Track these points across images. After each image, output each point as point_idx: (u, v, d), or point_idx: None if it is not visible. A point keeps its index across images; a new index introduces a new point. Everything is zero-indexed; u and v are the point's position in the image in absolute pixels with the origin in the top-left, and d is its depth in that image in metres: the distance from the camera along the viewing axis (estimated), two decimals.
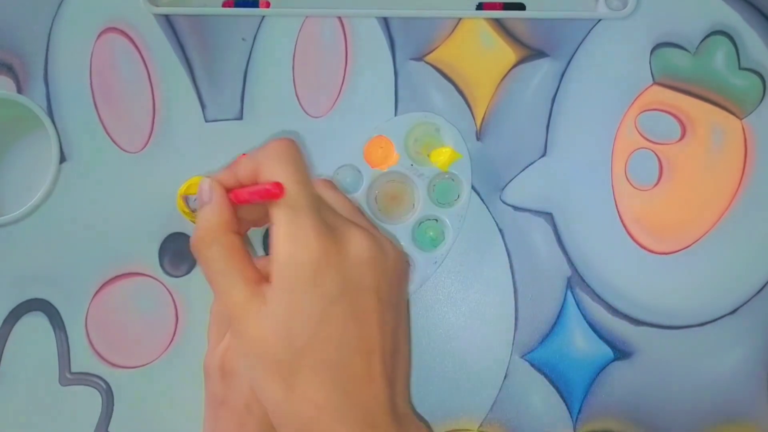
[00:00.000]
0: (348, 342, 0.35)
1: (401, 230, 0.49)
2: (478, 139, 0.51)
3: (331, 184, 0.42)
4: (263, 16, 0.52)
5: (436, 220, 0.50)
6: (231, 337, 0.38)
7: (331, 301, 0.34)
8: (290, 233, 0.34)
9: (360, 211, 0.40)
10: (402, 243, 0.49)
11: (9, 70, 0.52)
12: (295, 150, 0.37)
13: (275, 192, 0.34)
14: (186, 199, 0.44)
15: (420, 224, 0.50)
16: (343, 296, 0.34)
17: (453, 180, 0.50)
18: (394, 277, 0.38)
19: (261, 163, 0.36)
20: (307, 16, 0.52)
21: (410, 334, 0.38)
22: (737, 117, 0.51)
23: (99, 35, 0.52)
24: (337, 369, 0.34)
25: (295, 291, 0.34)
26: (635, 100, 0.51)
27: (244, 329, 0.35)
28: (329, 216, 0.37)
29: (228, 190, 0.38)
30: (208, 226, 0.37)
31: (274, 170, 0.35)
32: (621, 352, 0.50)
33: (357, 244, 0.36)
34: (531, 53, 0.51)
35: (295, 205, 0.35)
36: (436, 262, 0.50)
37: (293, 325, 0.34)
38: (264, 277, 0.36)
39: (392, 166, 0.50)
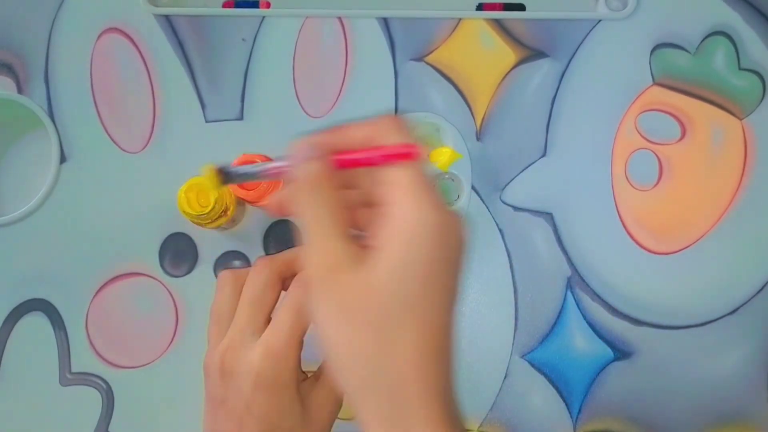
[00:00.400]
0: (443, 309, 0.35)
1: None
2: (478, 139, 0.51)
3: None
4: (263, 17, 0.52)
5: None
6: (315, 298, 0.36)
7: (438, 265, 0.34)
8: (417, 193, 0.34)
9: None
10: None
11: (9, 70, 0.52)
12: (407, 124, 0.37)
13: (411, 153, 0.34)
14: (222, 170, 0.42)
15: None
16: (446, 263, 0.35)
17: (453, 180, 0.50)
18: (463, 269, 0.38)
19: (377, 132, 0.36)
20: (307, 17, 0.52)
21: None
22: (737, 117, 0.51)
23: (99, 35, 0.52)
24: (434, 333, 0.34)
25: (415, 248, 0.34)
26: (635, 100, 0.51)
27: (340, 281, 0.34)
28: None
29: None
30: (314, 177, 0.36)
31: (398, 139, 0.35)
32: (621, 352, 0.50)
33: (460, 223, 0.36)
34: (531, 54, 0.51)
35: (420, 169, 0.35)
36: None
37: (406, 279, 0.33)
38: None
39: None
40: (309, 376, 0.46)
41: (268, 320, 0.43)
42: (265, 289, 0.43)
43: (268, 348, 0.41)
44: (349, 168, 0.37)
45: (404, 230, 0.34)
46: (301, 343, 0.42)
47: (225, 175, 0.39)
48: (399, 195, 0.35)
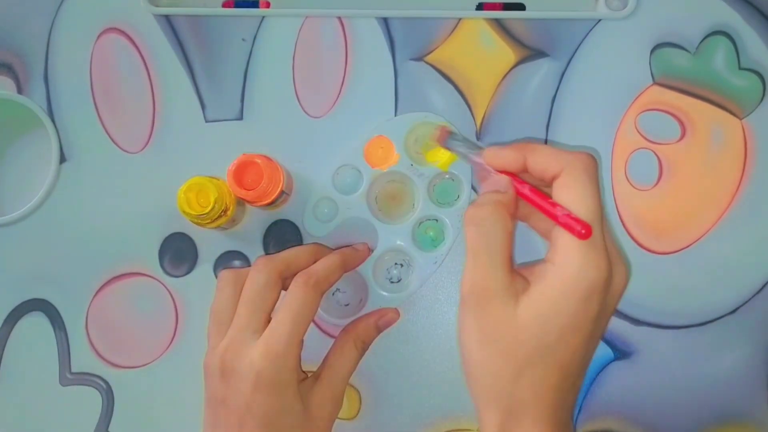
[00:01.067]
0: (583, 357, 0.37)
1: (401, 230, 0.49)
2: (478, 138, 0.51)
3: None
4: (263, 17, 0.52)
5: (436, 220, 0.50)
6: (463, 314, 0.39)
7: (588, 320, 0.36)
8: (585, 246, 0.36)
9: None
10: (402, 243, 0.49)
11: (9, 70, 0.52)
12: (597, 170, 0.38)
13: (582, 233, 0.35)
14: (443, 136, 0.45)
15: (420, 224, 0.50)
16: (598, 320, 0.37)
17: (453, 180, 0.50)
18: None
19: (565, 176, 0.37)
20: (307, 17, 0.52)
21: None
22: (737, 117, 0.51)
23: (99, 35, 0.52)
24: (566, 373, 0.37)
25: (569, 299, 0.36)
26: (635, 100, 0.51)
27: (493, 310, 0.37)
28: (606, 238, 0.38)
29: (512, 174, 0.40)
30: (500, 203, 0.38)
31: (578, 192, 0.37)
32: (621, 352, 0.50)
33: (621, 277, 0.38)
34: (531, 53, 0.51)
35: (597, 222, 0.36)
36: (436, 262, 0.50)
37: (553, 326, 0.36)
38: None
39: (392, 166, 0.50)
40: (309, 375, 0.46)
41: (269, 320, 0.43)
42: (265, 288, 0.44)
43: (268, 348, 0.42)
44: (524, 199, 0.39)
45: (563, 280, 0.36)
46: (301, 343, 0.43)
47: (449, 140, 0.44)
48: (567, 241, 0.36)
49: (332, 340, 0.49)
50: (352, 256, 0.48)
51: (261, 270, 0.44)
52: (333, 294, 0.50)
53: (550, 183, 0.38)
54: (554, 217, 0.37)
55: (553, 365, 0.37)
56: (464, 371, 0.39)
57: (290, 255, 0.46)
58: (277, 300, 0.44)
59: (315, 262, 0.46)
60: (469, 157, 0.42)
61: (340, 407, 0.46)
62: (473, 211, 0.39)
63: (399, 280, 0.50)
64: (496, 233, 0.38)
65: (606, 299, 0.37)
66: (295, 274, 0.45)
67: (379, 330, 0.49)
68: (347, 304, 0.50)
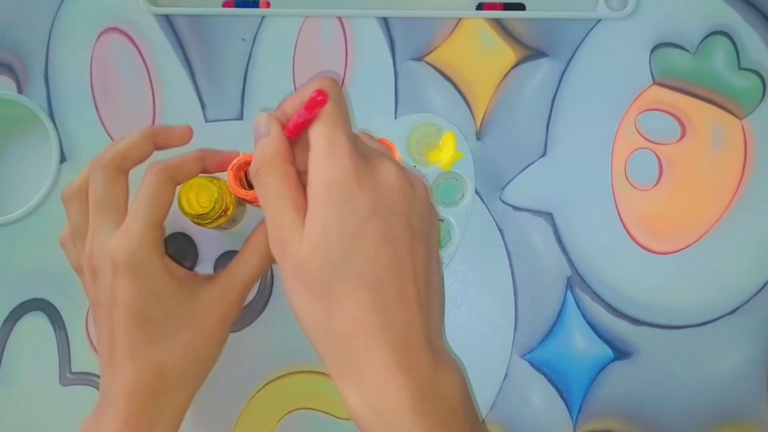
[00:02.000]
0: (381, 261, 0.35)
1: None
2: (478, 139, 0.51)
3: (367, 134, 0.42)
4: (263, 16, 0.52)
5: (442, 220, 0.50)
6: (280, 268, 0.38)
7: (363, 219, 0.35)
8: (326, 155, 0.36)
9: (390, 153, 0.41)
10: None
11: (9, 70, 0.52)
12: (337, 84, 0.38)
13: (319, 99, 0.35)
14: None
15: None
16: (375, 216, 0.35)
17: (456, 179, 0.50)
18: (424, 208, 0.38)
19: (306, 93, 0.37)
20: (307, 17, 0.52)
21: (443, 277, 0.38)
22: (737, 117, 0.51)
23: (99, 35, 0.52)
24: (372, 287, 0.35)
25: (329, 209, 0.35)
26: (635, 100, 0.51)
27: (287, 251, 0.36)
28: (362, 146, 0.38)
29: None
30: (268, 154, 0.38)
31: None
32: (621, 352, 0.50)
33: (387, 170, 0.37)
34: (531, 53, 0.51)
35: (333, 127, 0.36)
36: (443, 263, 0.49)
37: (328, 241, 0.35)
38: None
39: None
40: (203, 275, 0.45)
41: (125, 213, 0.42)
42: (107, 185, 0.42)
43: (121, 232, 0.41)
44: (295, 136, 0.38)
45: (318, 194, 0.35)
46: (158, 228, 0.42)
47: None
48: (313, 158, 0.36)
49: None
50: (205, 153, 0.45)
51: (97, 170, 0.42)
52: None
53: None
54: (299, 122, 0.37)
55: (354, 282, 0.34)
56: (305, 335, 0.37)
57: (123, 146, 0.43)
58: (127, 195, 0.43)
59: (152, 146, 0.44)
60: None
61: (236, 312, 0.44)
62: (251, 171, 0.39)
63: None
64: (273, 179, 0.37)
65: (374, 196, 0.35)
66: (135, 165, 0.43)
67: None
68: None
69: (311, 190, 0.36)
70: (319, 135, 0.36)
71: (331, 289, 0.35)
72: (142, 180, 0.42)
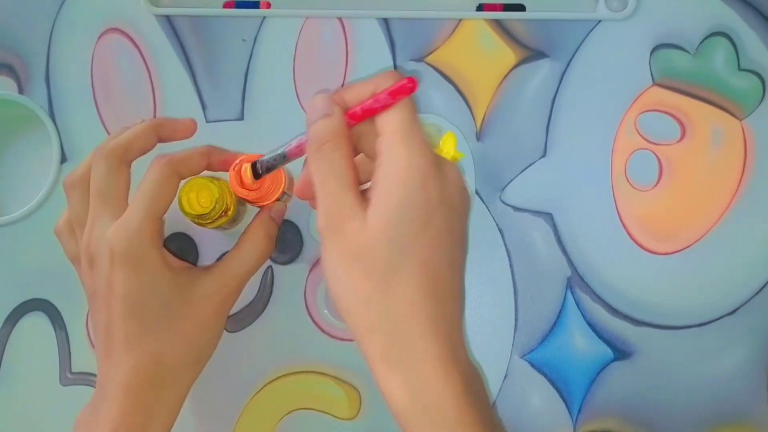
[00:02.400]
0: (442, 251, 0.36)
1: None
2: (478, 139, 0.51)
3: None
4: (264, 17, 0.52)
5: None
6: (324, 249, 0.37)
7: (433, 207, 0.35)
8: (408, 139, 0.36)
9: None
10: None
11: (10, 70, 0.52)
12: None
13: (409, 86, 0.36)
14: (254, 165, 0.44)
15: None
16: (442, 207, 0.36)
17: None
18: (469, 212, 0.39)
19: (379, 82, 0.37)
20: (307, 17, 0.52)
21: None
22: (737, 118, 0.51)
23: (100, 36, 0.52)
24: (432, 275, 0.35)
25: (407, 190, 0.35)
26: (635, 100, 0.51)
27: (345, 229, 0.36)
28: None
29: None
30: (333, 131, 0.37)
31: (396, 80, 0.37)
32: (621, 352, 0.50)
33: (451, 168, 0.37)
34: (531, 54, 0.51)
35: (413, 115, 0.36)
36: None
37: (400, 221, 0.35)
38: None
39: None
40: (200, 267, 0.45)
41: (125, 206, 0.42)
42: (108, 175, 0.42)
43: (121, 223, 0.40)
44: (359, 121, 0.38)
45: (396, 175, 0.35)
46: (158, 220, 0.42)
47: (257, 169, 0.42)
48: (389, 142, 0.36)
49: (336, 342, 0.49)
50: (186, 125, 0.46)
51: (100, 159, 0.42)
52: None
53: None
54: (382, 101, 0.37)
55: (417, 267, 0.35)
56: (338, 309, 0.36)
57: (127, 136, 0.43)
58: (128, 185, 0.43)
59: (155, 137, 0.44)
60: (284, 153, 0.41)
61: (232, 304, 0.45)
62: (311, 145, 0.38)
63: None
64: (337, 156, 0.37)
65: (443, 188, 0.36)
66: (139, 156, 0.43)
67: (275, 222, 0.47)
68: None
69: (386, 170, 0.36)
70: (398, 120, 0.36)
71: (392, 270, 0.35)
72: (146, 171, 0.42)
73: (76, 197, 0.43)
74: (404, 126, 0.36)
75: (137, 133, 0.43)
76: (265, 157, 0.42)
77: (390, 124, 0.36)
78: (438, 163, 0.36)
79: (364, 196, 0.37)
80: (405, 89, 0.36)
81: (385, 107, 0.37)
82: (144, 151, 0.44)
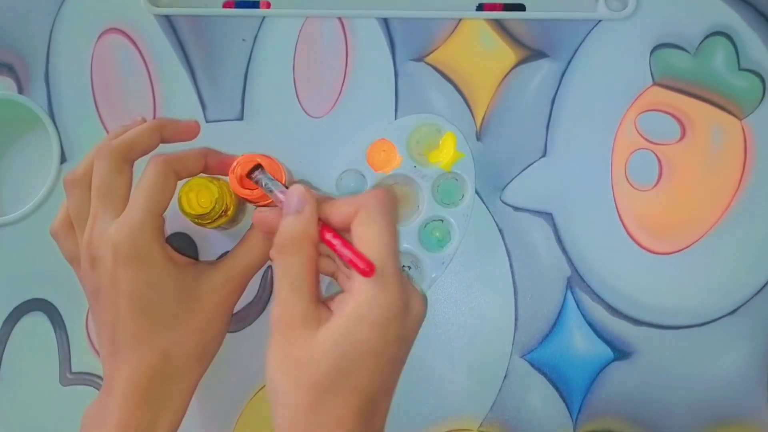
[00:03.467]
0: (382, 379, 0.38)
1: (407, 232, 0.49)
2: (478, 139, 0.51)
3: (386, 208, 0.41)
4: (264, 17, 0.52)
5: (442, 221, 0.50)
6: (270, 344, 0.39)
7: (387, 344, 0.37)
8: (377, 278, 0.37)
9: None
10: (408, 245, 0.49)
11: (10, 70, 0.52)
12: (392, 205, 0.40)
13: (365, 271, 0.37)
14: (253, 175, 0.44)
15: (426, 225, 0.50)
16: (397, 344, 0.38)
17: (456, 180, 0.50)
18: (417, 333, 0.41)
19: (358, 210, 0.39)
20: (307, 17, 0.52)
21: None
22: (737, 117, 0.51)
23: (100, 36, 0.52)
24: (367, 397, 0.37)
25: (365, 326, 0.37)
26: (635, 100, 0.51)
27: (295, 336, 0.37)
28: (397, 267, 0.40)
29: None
30: (296, 234, 0.39)
31: (372, 229, 0.38)
32: (621, 352, 0.50)
33: (418, 304, 0.39)
34: (531, 54, 0.51)
35: (388, 240, 0.38)
36: (443, 263, 0.49)
37: (349, 352, 0.36)
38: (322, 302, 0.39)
39: (395, 168, 0.50)
40: (206, 262, 0.45)
41: (126, 201, 0.42)
42: (110, 173, 0.42)
43: (122, 220, 0.41)
44: (323, 241, 0.40)
45: (357, 309, 0.37)
46: (159, 217, 0.42)
47: (252, 177, 0.43)
48: (359, 277, 0.37)
49: None
50: (189, 126, 0.46)
51: (102, 157, 0.42)
52: None
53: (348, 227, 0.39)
54: (341, 255, 0.38)
55: (353, 390, 0.37)
56: (270, 403, 0.38)
57: (130, 136, 0.43)
58: (130, 185, 0.43)
59: (159, 138, 0.44)
60: (273, 192, 0.42)
61: (237, 298, 0.45)
62: (275, 243, 0.39)
63: None
64: (295, 262, 0.39)
65: (403, 326, 0.38)
66: (141, 156, 0.44)
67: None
68: None
69: (351, 299, 0.37)
70: (374, 248, 0.37)
71: (328, 389, 0.36)
72: (144, 170, 0.42)
73: (77, 195, 0.43)
74: (385, 254, 0.37)
75: (141, 133, 0.43)
76: (263, 181, 0.43)
77: (371, 245, 0.38)
78: (405, 300, 0.38)
79: (322, 305, 0.39)
80: (360, 271, 0.37)
81: (347, 259, 0.38)
82: (147, 151, 0.44)
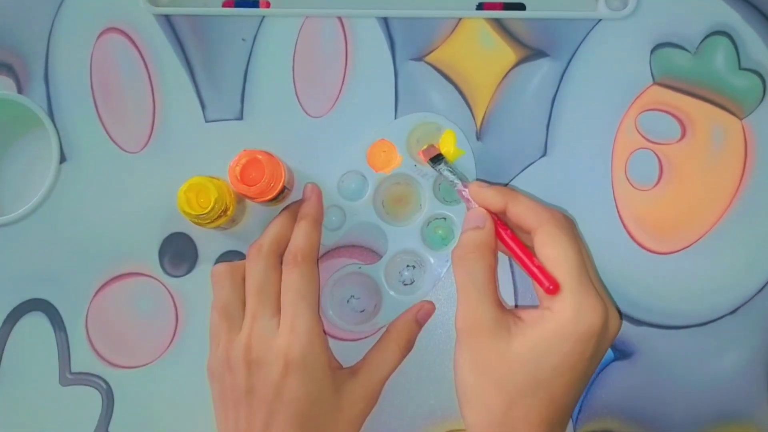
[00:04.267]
0: (574, 390, 0.40)
1: (410, 232, 0.49)
2: (478, 139, 0.51)
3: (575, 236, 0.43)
4: (263, 17, 0.52)
5: (444, 219, 0.50)
6: (458, 347, 0.41)
7: (583, 360, 0.39)
8: (578, 287, 0.39)
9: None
10: (412, 245, 0.49)
11: (9, 70, 0.52)
12: (574, 229, 0.43)
13: (550, 289, 0.40)
14: (431, 152, 0.47)
15: (429, 224, 0.50)
16: (592, 359, 0.40)
17: None
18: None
19: (541, 226, 0.41)
20: (307, 17, 0.52)
21: None
22: (737, 117, 0.51)
23: (99, 35, 0.52)
24: (558, 407, 0.39)
25: (565, 343, 0.39)
26: (635, 100, 0.51)
27: (486, 344, 0.40)
28: (597, 286, 0.41)
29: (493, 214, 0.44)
30: (480, 243, 0.42)
31: (560, 248, 0.41)
32: (621, 352, 0.50)
33: (615, 323, 0.41)
34: (531, 53, 0.51)
35: (581, 276, 0.40)
36: (448, 261, 0.49)
37: (545, 364, 0.39)
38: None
39: (396, 168, 0.50)
40: (344, 368, 0.46)
41: (279, 304, 0.44)
42: (267, 273, 0.45)
43: (292, 329, 0.42)
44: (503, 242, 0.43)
45: (559, 325, 0.39)
46: (320, 320, 0.44)
47: (441, 165, 0.47)
48: (565, 291, 0.39)
49: (340, 343, 0.49)
50: (315, 208, 0.48)
51: (257, 258, 0.45)
52: (348, 301, 0.50)
53: (527, 231, 0.42)
54: (527, 267, 0.41)
55: (545, 399, 0.39)
56: (459, 402, 0.41)
57: (276, 233, 0.46)
58: (281, 280, 0.45)
59: (294, 222, 0.47)
60: (454, 184, 0.46)
61: (374, 405, 0.46)
62: (458, 251, 0.43)
63: (412, 282, 0.50)
64: (479, 270, 0.41)
65: (601, 343, 0.40)
66: (286, 248, 0.46)
67: (419, 324, 0.49)
68: (362, 310, 0.50)
69: (557, 317, 0.39)
70: (570, 263, 0.40)
71: (522, 395, 0.39)
72: (284, 275, 0.45)
73: (227, 286, 0.45)
74: (578, 272, 0.40)
75: (283, 225, 0.47)
76: (444, 171, 0.47)
77: (560, 264, 0.40)
78: (606, 319, 0.39)
79: (505, 309, 0.41)
80: (544, 288, 0.40)
81: (527, 266, 0.41)
82: (288, 241, 0.46)
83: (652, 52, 0.51)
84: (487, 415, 0.39)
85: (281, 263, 0.45)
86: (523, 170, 0.51)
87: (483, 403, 0.40)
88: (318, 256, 0.47)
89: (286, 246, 0.46)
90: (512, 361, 0.39)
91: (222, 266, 0.46)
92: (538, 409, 0.39)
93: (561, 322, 0.39)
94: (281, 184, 0.46)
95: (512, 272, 0.50)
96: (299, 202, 0.48)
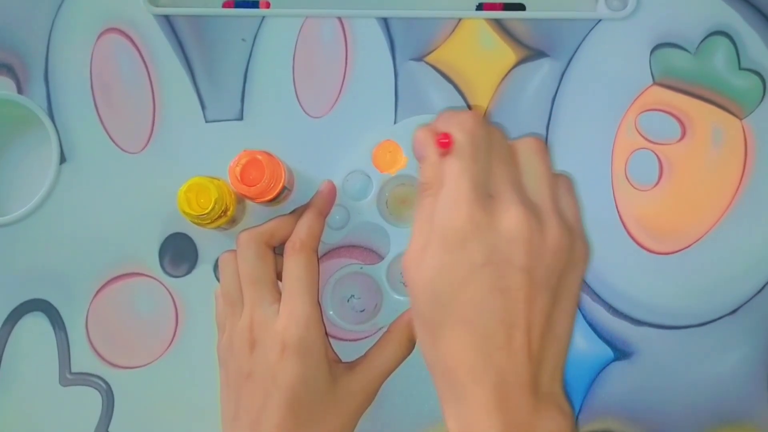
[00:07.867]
0: (489, 310, 0.36)
1: None
2: None
3: (539, 147, 0.40)
4: (263, 17, 0.52)
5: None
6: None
7: (474, 267, 0.36)
8: (448, 198, 0.37)
9: (562, 184, 0.40)
10: None
11: (9, 70, 0.52)
12: (478, 118, 0.40)
13: (444, 142, 0.38)
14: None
15: None
16: (487, 266, 0.36)
17: None
18: (553, 259, 0.37)
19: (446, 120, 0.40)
20: (307, 17, 0.52)
21: (574, 321, 0.39)
22: (737, 117, 0.51)
23: (99, 36, 0.52)
24: (476, 332, 0.36)
25: (444, 251, 0.36)
26: (635, 100, 0.51)
27: (409, 278, 0.38)
28: (500, 184, 0.38)
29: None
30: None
31: (451, 123, 0.39)
32: (621, 352, 0.50)
33: (510, 220, 0.36)
34: (531, 53, 0.51)
35: (460, 168, 0.37)
36: None
37: (437, 283, 0.37)
38: None
39: (401, 169, 0.49)
40: (342, 362, 0.46)
41: (277, 289, 0.45)
42: (257, 260, 0.45)
43: (290, 314, 0.42)
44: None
45: (434, 234, 0.37)
46: (318, 306, 0.44)
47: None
48: (439, 197, 0.38)
49: (341, 343, 0.49)
50: (323, 200, 0.48)
51: (247, 245, 0.45)
52: (348, 300, 0.50)
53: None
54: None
55: (459, 324, 0.36)
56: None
57: (272, 225, 0.46)
58: (275, 267, 0.45)
59: (294, 224, 0.47)
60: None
61: (370, 403, 0.46)
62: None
63: None
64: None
65: (491, 243, 0.36)
66: (282, 243, 0.46)
67: None
68: (363, 310, 0.50)
69: (431, 229, 0.37)
70: (447, 173, 0.38)
71: (437, 326, 0.37)
72: (285, 262, 0.45)
73: (230, 273, 0.46)
74: (451, 181, 0.37)
75: (282, 221, 0.47)
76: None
77: (444, 176, 0.38)
78: (483, 221, 0.36)
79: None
80: (441, 144, 0.39)
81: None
82: (285, 240, 0.46)
83: (651, 52, 0.51)
84: (425, 353, 0.38)
85: (272, 251, 0.46)
86: None
87: (420, 345, 0.39)
88: (318, 245, 0.47)
89: (280, 240, 0.46)
90: (416, 297, 0.38)
91: (227, 253, 0.47)
92: (456, 336, 0.36)
93: (435, 224, 0.37)
94: (281, 184, 0.46)
95: None
96: (314, 198, 0.49)
